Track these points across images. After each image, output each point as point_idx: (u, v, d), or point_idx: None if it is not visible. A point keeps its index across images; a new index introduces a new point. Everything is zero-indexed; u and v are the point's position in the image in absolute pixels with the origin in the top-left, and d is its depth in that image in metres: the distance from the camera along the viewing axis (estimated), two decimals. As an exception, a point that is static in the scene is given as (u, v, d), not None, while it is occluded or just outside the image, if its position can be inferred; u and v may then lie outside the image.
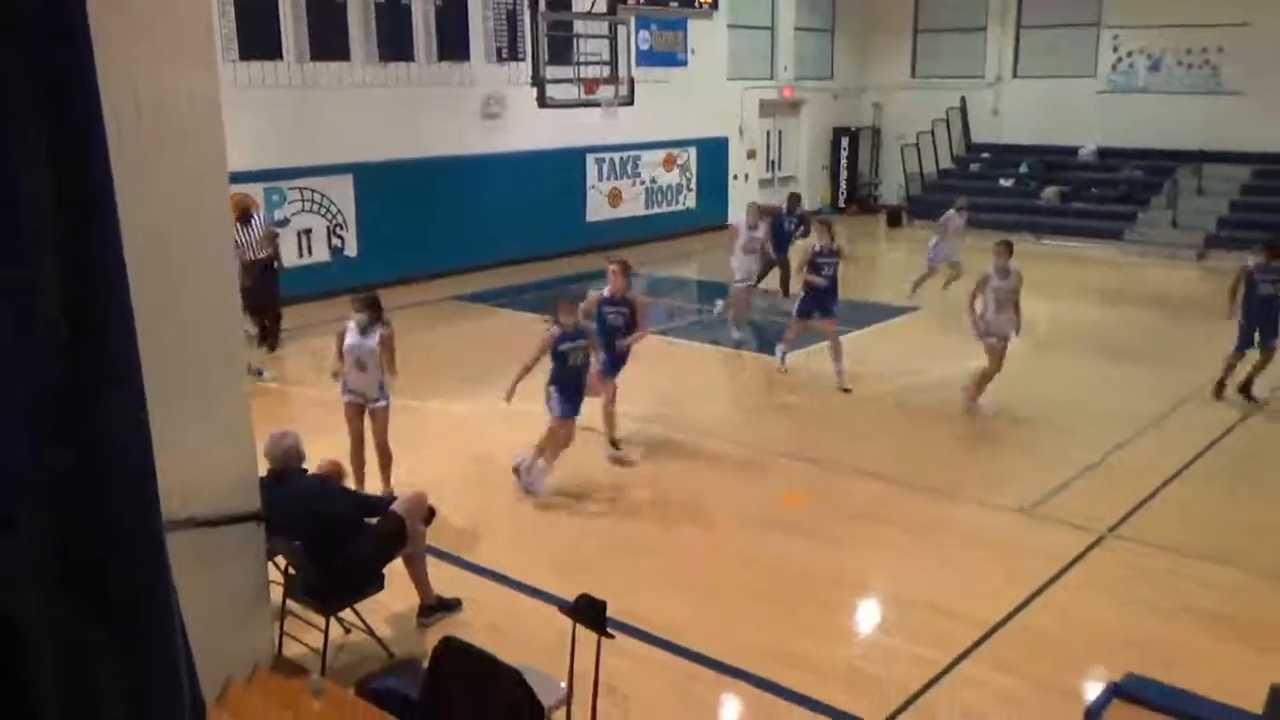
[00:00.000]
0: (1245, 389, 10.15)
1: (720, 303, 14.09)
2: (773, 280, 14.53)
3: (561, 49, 14.86)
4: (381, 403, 7.76)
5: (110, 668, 3.31)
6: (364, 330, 7.59)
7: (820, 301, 10.88)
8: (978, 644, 5.92)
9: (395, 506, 5.91)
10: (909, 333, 13.31)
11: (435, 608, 6.14)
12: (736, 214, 22.19)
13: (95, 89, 3.07)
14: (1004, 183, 22.22)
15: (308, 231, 15.02)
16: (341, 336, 7.73)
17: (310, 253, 15.03)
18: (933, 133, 23.47)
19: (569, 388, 8.11)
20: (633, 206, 20.09)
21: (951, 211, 15.38)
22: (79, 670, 3.22)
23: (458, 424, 9.91)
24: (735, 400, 10.81)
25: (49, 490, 3.10)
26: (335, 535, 5.54)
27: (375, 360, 7.61)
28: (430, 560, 6.33)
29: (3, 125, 2.94)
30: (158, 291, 4.14)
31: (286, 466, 5.72)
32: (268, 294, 11.98)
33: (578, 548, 7.28)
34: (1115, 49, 21.71)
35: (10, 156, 2.89)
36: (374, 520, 5.84)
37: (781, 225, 14.58)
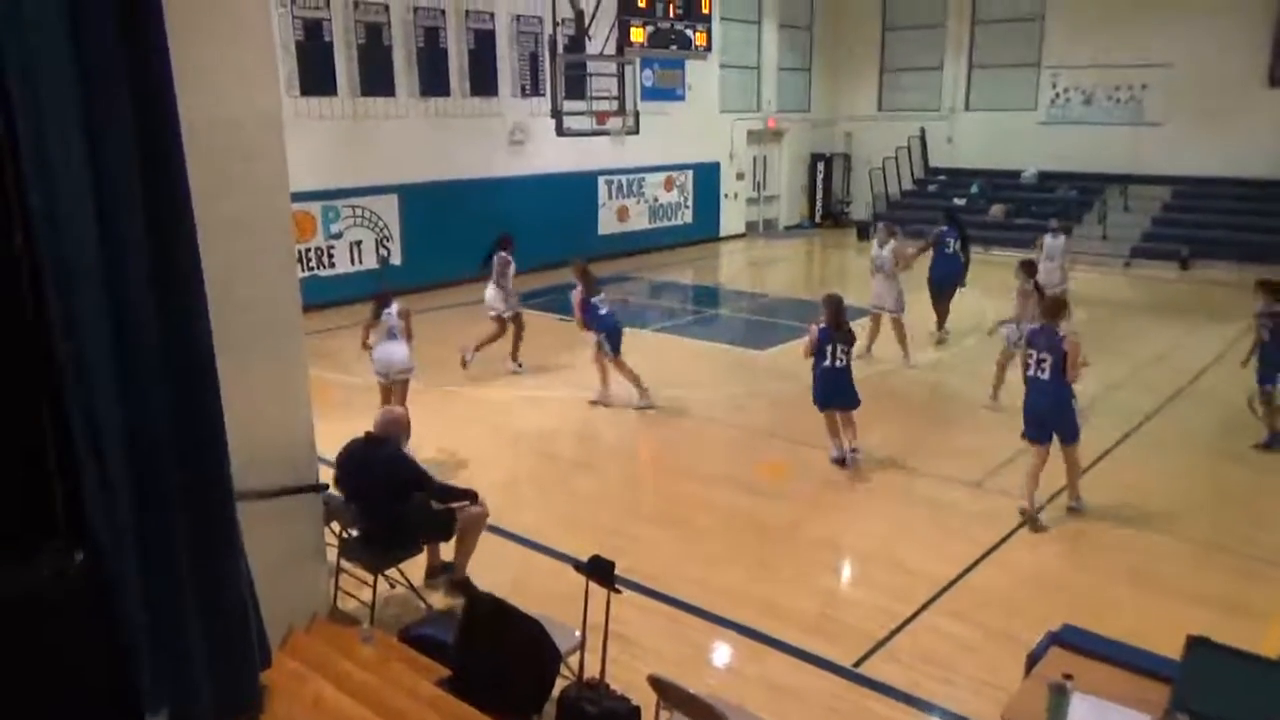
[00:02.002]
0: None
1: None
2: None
3: (576, 85, 14.81)
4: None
5: (192, 619, 3.31)
6: None
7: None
8: (935, 597, 5.91)
9: (460, 515, 5.76)
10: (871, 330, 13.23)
11: (440, 570, 6.08)
12: (727, 227, 22.42)
13: (174, 104, 3.07)
14: (957, 201, 22.09)
15: (359, 243, 15.01)
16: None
17: (361, 262, 15.03)
18: (896, 158, 23.39)
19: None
20: (638, 221, 20.05)
21: (1047, 235, 12.78)
22: (167, 620, 3.22)
23: (488, 406, 9.89)
24: (726, 387, 10.75)
25: (139, 469, 3.10)
26: (392, 499, 5.51)
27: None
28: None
29: (102, 131, 2.94)
30: (230, 293, 4.13)
31: (384, 434, 5.71)
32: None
33: (590, 513, 7.27)
34: (1054, 86, 21.61)
35: (107, 163, 2.89)
36: (439, 505, 5.77)
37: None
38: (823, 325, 7.88)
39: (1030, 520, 6.95)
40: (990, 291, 15.70)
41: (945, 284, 12.55)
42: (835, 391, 8.00)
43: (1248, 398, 8.88)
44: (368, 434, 5.69)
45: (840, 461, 8.07)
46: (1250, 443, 8.65)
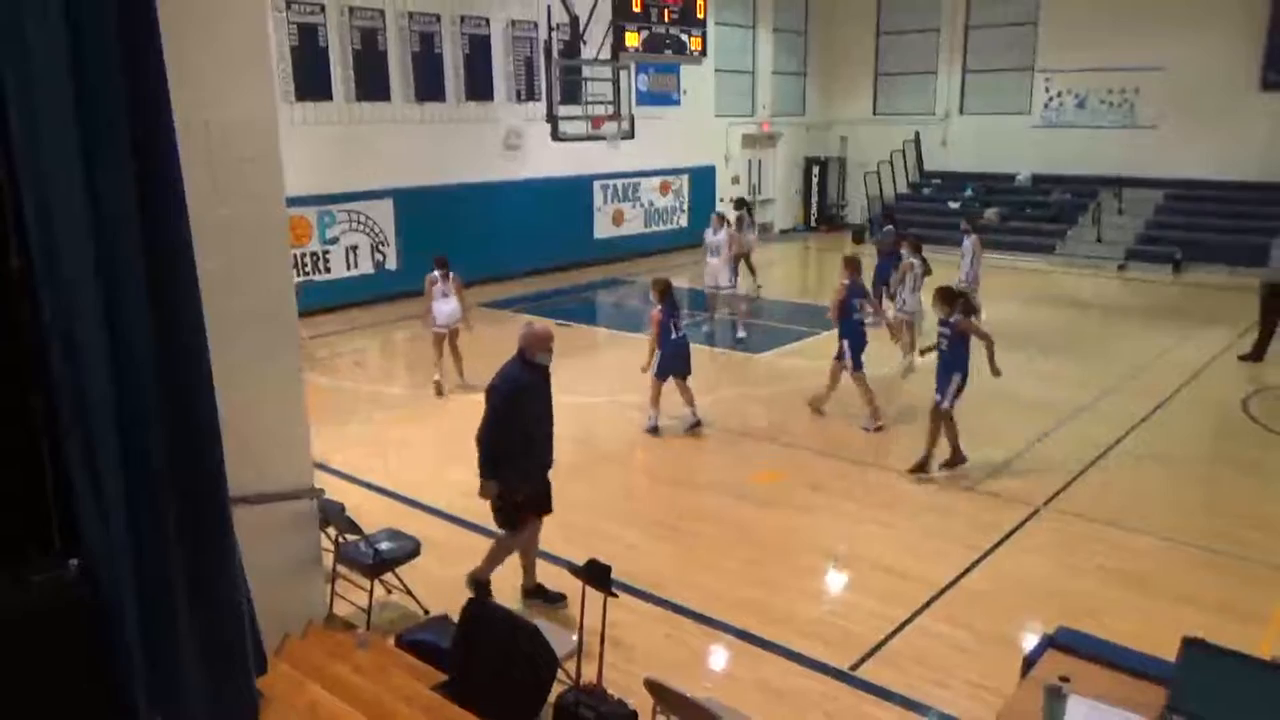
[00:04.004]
0: None
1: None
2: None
3: (572, 90, 14.82)
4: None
5: (187, 626, 3.30)
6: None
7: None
8: (930, 601, 5.91)
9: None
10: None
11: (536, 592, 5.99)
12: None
13: (169, 110, 3.07)
14: (951, 204, 22.15)
15: (354, 248, 14.99)
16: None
17: (357, 266, 15.01)
18: (891, 161, 23.44)
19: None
20: (634, 226, 20.05)
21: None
22: (162, 626, 3.21)
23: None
24: (721, 391, 10.74)
25: (133, 475, 3.09)
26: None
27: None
28: (461, 530, 6.30)
29: (95, 141, 2.94)
30: (226, 299, 4.12)
31: (520, 343, 5.67)
32: None
33: (584, 517, 7.25)
34: (1047, 89, 21.68)
35: (101, 172, 2.89)
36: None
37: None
38: (661, 307, 8.86)
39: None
40: (983, 296, 15.74)
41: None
42: (683, 360, 9.00)
43: (1243, 400, 8.92)
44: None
45: (655, 430, 9.03)
46: (1249, 446, 8.69)
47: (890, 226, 13.78)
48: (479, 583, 5.78)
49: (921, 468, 7.88)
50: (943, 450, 7.96)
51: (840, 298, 9.11)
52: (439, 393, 10.21)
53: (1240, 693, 3.34)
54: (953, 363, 7.78)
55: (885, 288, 12.87)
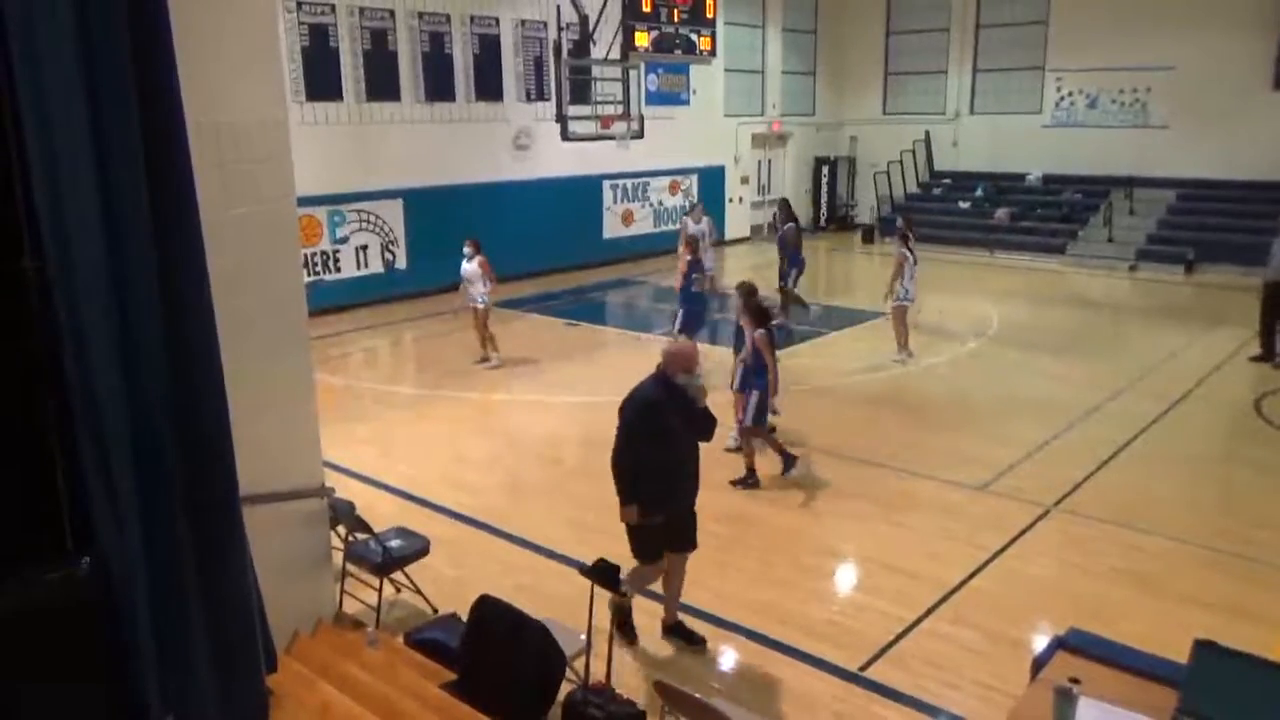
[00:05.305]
0: None
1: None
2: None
3: (581, 90, 14.84)
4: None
5: (198, 625, 3.31)
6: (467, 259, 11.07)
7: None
8: (940, 602, 5.88)
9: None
10: (877, 334, 13.24)
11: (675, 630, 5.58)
12: (732, 231, 22.39)
13: (180, 110, 3.08)
14: (962, 205, 22.11)
15: (364, 248, 15.04)
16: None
17: (366, 265, 15.05)
18: (901, 161, 23.38)
19: None
20: (643, 225, 20.05)
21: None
22: (173, 626, 3.22)
23: (493, 411, 9.89)
24: (725, 391, 10.72)
25: (144, 472, 3.10)
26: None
27: (475, 277, 11.03)
28: (470, 529, 6.28)
29: (107, 140, 2.96)
30: (236, 298, 4.13)
31: (663, 362, 5.25)
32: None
33: (594, 516, 7.24)
34: (1058, 89, 21.58)
35: (113, 171, 2.90)
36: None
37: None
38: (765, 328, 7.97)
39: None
40: (994, 296, 15.71)
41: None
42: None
43: (1255, 400, 8.86)
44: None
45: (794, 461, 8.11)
46: (1261, 447, 8.63)
47: (791, 224, 14.22)
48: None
49: (744, 481, 7.75)
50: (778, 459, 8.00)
51: (683, 270, 10.87)
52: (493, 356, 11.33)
53: (1252, 695, 3.32)
54: (754, 377, 7.67)
55: (786, 282, 13.74)
